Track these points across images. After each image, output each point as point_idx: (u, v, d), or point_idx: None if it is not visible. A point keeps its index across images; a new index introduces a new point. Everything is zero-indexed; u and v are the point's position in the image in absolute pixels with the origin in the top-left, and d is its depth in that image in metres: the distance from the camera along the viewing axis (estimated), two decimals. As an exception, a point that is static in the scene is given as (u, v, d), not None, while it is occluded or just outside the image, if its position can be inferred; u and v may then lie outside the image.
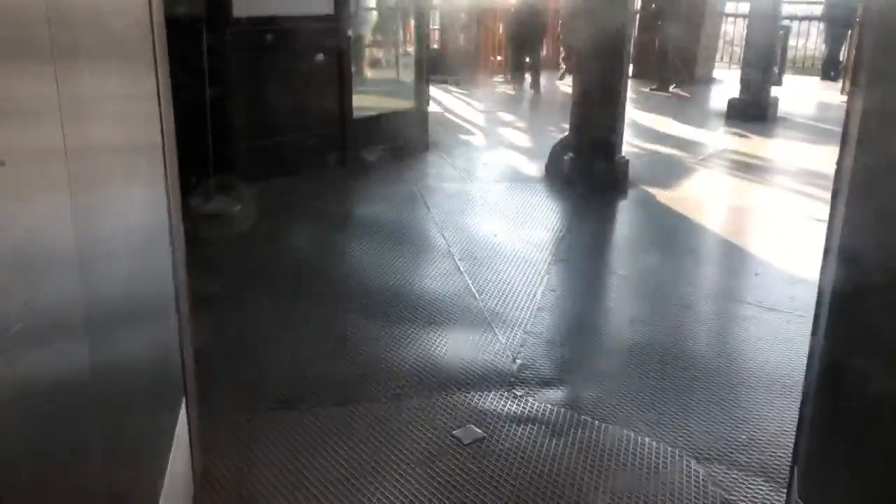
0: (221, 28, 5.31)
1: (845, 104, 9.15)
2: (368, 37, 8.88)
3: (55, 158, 1.34)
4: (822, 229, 5.12)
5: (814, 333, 2.20)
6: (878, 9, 1.81)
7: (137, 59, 2.03)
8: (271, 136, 5.88)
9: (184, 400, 2.38)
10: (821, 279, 2.12)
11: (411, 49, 7.69)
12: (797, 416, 2.85)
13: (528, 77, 11.19)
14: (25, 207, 1.23)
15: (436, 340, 3.46)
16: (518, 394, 3.03)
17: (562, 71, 12.11)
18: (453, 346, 3.40)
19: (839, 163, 2.06)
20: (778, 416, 2.91)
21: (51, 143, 1.33)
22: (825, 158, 7.02)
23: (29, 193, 1.24)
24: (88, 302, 1.48)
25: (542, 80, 11.19)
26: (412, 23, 7.74)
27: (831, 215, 2.04)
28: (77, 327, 1.44)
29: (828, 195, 6.05)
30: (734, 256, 4.80)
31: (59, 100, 1.33)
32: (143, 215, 2.08)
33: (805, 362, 2.29)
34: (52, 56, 1.31)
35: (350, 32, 6.22)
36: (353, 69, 6.69)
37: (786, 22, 11.25)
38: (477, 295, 3.96)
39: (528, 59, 11.16)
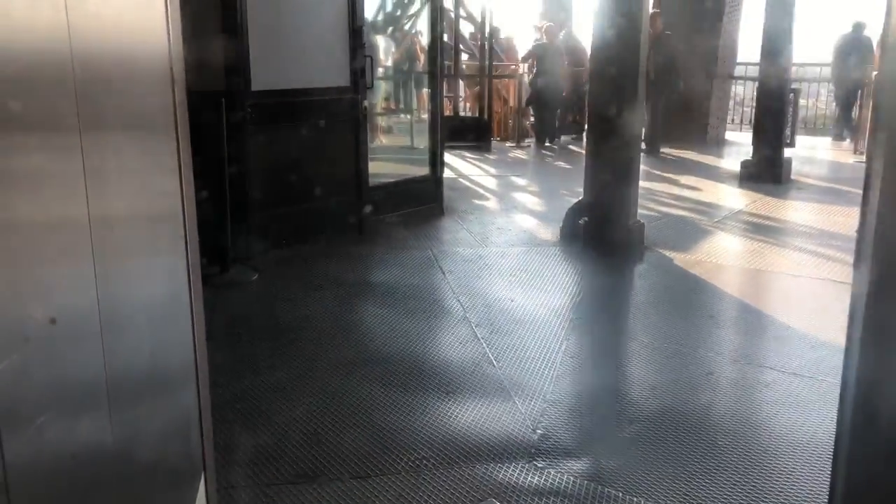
0: (241, 100, 5.43)
1: (858, 164, 9.14)
2: (383, 105, 9.06)
3: (81, 228, 1.36)
4: (842, 291, 5.05)
5: (841, 401, 2.16)
6: None
7: (159, 130, 2.07)
8: (289, 205, 5.94)
9: (203, 474, 2.35)
10: (847, 345, 2.08)
11: (425, 116, 7.82)
12: (826, 484, 2.77)
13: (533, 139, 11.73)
14: (54, 276, 1.24)
15: (455, 410, 3.42)
16: (539, 465, 2.97)
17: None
18: (472, 416, 3.36)
19: (861, 228, 2.05)
20: (806, 485, 2.84)
21: (76, 213, 1.35)
22: (841, 220, 7.03)
23: (56, 263, 1.26)
24: (112, 375, 1.48)
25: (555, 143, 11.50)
26: (425, 91, 7.89)
27: (855, 281, 2.02)
28: (101, 402, 1.43)
29: (845, 256, 5.99)
30: (754, 320, 4.75)
31: (84, 170, 1.36)
32: (163, 285, 2.09)
33: (831, 428, 2.24)
34: (79, 129, 1.34)
35: (366, 103, 6.34)
36: (369, 137, 6.81)
37: (795, 85, 11.38)
38: (495, 362, 3.92)
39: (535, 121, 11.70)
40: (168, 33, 1.99)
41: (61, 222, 1.32)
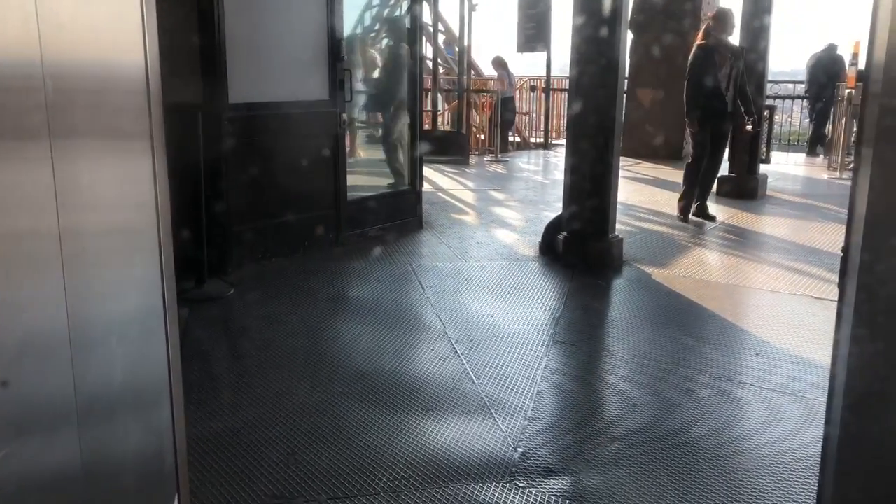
0: (218, 113, 5.37)
1: (832, 180, 9.23)
2: (362, 118, 9.03)
3: (50, 241, 1.32)
4: (819, 307, 5.07)
5: (827, 421, 2.14)
6: (882, 84, 1.82)
7: (134, 143, 2.02)
8: (266, 218, 5.88)
9: (177, 496, 2.28)
10: (833, 364, 2.07)
11: (404, 130, 7.79)
12: (808, 502, 2.76)
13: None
14: (19, 290, 1.20)
15: (434, 428, 3.37)
16: (520, 485, 2.93)
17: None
18: (453, 434, 3.31)
19: (846, 244, 2.04)
20: (789, 503, 2.82)
21: (46, 226, 1.31)
22: (816, 235, 7.09)
23: (22, 276, 1.21)
24: (82, 395, 1.43)
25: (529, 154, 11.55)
26: (404, 105, 7.86)
27: (840, 302, 2.01)
28: (70, 423, 1.38)
29: (822, 272, 6.00)
30: (733, 336, 4.75)
31: (54, 183, 1.32)
32: (137, 300, 2.03)
33: (813, 445, 2.22)
34: (49, 140, 1.30)
35: (345, 116, 6.31)
36: (348, 150, 6.77)
37: (770, 102, 11.53)
38: (475, 379, 3.88)
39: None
40: (144, 45, 1.95)
41: (29, 234, 1.28)
